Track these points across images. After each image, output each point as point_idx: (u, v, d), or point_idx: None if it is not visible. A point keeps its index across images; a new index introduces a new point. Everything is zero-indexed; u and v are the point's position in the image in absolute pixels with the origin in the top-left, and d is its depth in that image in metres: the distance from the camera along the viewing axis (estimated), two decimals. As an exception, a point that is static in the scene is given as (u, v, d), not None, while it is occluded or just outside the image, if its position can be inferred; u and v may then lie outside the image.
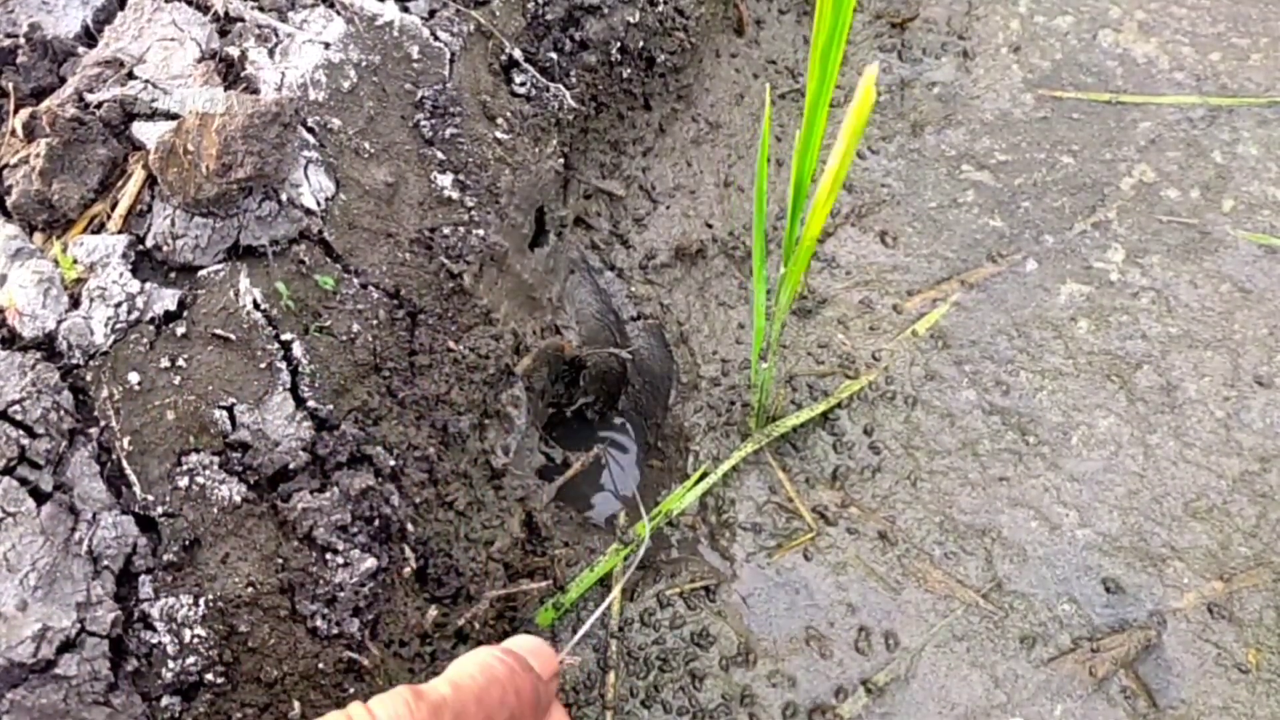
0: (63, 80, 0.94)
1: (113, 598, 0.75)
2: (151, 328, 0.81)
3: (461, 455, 1.02)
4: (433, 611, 0.95)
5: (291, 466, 0.85)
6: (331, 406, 0.88)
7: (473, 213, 1.02)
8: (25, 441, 0.74)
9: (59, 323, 0.79)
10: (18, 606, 0.71)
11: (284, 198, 0.88)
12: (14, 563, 0.71)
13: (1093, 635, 1.07)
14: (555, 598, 1.07)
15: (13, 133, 0.88)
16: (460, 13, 1.07)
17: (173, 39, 0.93)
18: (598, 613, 0.96)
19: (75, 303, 0.80)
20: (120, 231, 0.85)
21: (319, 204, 0.91)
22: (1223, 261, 1.29)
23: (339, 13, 0.99)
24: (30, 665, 0.70)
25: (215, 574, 0.79)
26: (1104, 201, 1.34)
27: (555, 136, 1.15)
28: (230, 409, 0.83)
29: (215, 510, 0.80)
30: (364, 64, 0.98)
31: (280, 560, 0.83)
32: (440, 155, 1.01)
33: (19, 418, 0.75)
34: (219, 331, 0.83)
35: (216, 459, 0.81)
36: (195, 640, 0.77)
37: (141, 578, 0.77)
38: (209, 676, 0.77)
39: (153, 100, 0.88)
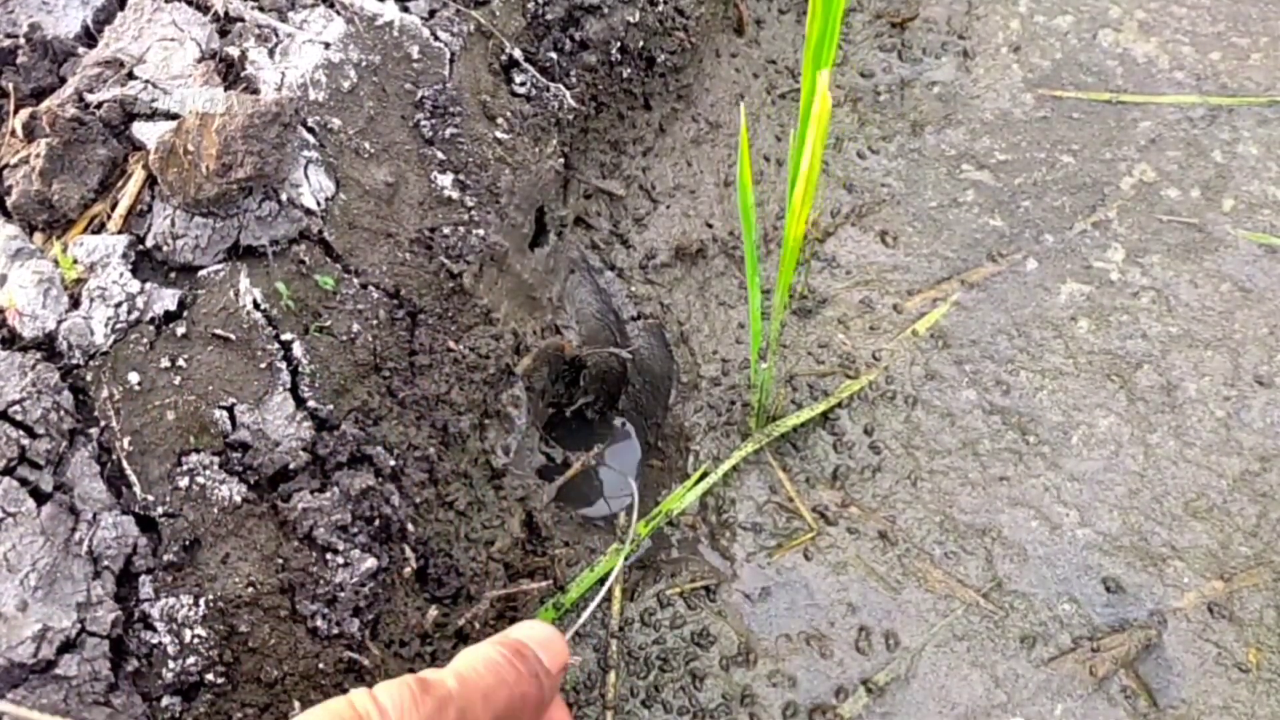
0: (63, 80, 0.94)
1: (113, 598, 0.75)
2: (151, 328, 0.81)
3: (462, 455, 1.02)
4: (433, 611, 0.95)
5: (291, 466, 0.85)
6: (331, 406, 0.88)
7: (473, 213, 1.02)
8: (25, 442, 0.74)
9: (59, 323, 0.79)
10: (18, 607, 0.71)
11: (284, 198, 0.88)
12: (14, 563, 0.71)
13: (1093, 635, 1.07)
14: (555, 598, 1.07)
15: (13, 133, 0.88)
16: (460, 13, 1.07)
17: (173, 39, 0.93)
18: (588, 611, 0.95)
19: (75, 303, 0.80)
20: (120, 231, 0.85)
21: (319, 204, 0.91)
22: (1223, 261, 1.29)
23: (339, 13, 0.99)
24: (30, 665, 0.70)
25: (215, 574, 0.79)
26: (1104, 201, 1.34)
27: (555, 136, 1.15)
28: (230, 409, 0.83)
29: (215, 510, 0.80)
30: (364, 64, 0.98)
31: (280, 560, 0.83)
32: (440, 155, 1.01)
33: (19, 418, 0.75)
34: (219, 331, 0.83)
35: (216, 459, 0.81)
36: (195, 640, 0.77)
37: (142, 578, 0.77)
38: (209, 677, 0.77)
39: (153, 100, 0.88)
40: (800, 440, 1.19)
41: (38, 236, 0.86)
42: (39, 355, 0.78)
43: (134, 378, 0.80)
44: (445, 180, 1.01)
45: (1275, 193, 1.34)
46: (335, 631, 0.84)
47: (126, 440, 0.78)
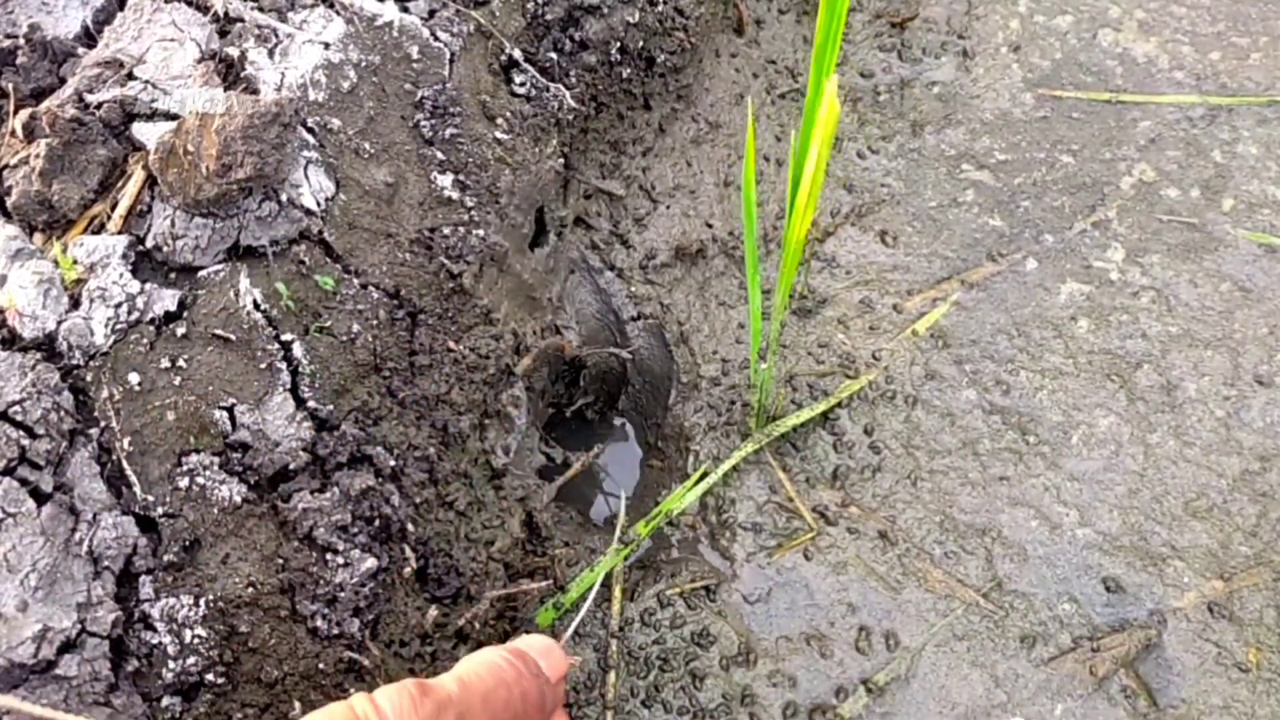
0: (63, 81, 0.94)
1: (113, 598, 0.75)
2: (151, 328, 0.81)
3: (462, 455, 1.02)
4: (433, 611, 0.95)
5: (292, 467, 0.85)
6: (331, 407, 0.88)
7: (473, 213, 1.02)
8: (25, 442, 0.74)
9: (59, 323, 0.79)
10: (18, 607, 0.71)
11: (284, 198, 0.88)
12: (14, 563, 0.71)
13: (1093, 635, 1.07)
14: (555, 598, 1.07)
15: (13, 133, 0.88)
16: (460, 13, 1.07)
17: (172, 39, 0.93)
18: (584, 609, 0.96)
19: (75, 303, 0.80)
20: (120, 232, 0.85)
21: (319, 204, 0.91)
22: (1223, 261, 1.29)
23: (339, 13, 0.99)
24: (31, 666, 0.70)
25: (215, 574, 0.79)
26: (1104, 201, 1.34)
27: (555, 136, 1.15)
28: (230, 409, 0.83)
29: (215, 510, 0.80)
30: (364, 64, 0.98)
31: (280, 560, 0.83)
32: (440, 155, 1.01)
33: (19, 418, 0.75)
34: (219, 332, 0.83)
35: (217, 459, 0.81)
36: (196, 640, 0.77)
37: (142, 578, 0.77)
38: (209, 677, 0.77)
39: (153, 101, 0.88)
40: (800, 440, 1.19)
41: (38, 237, 0.86)
42: (39, 355, 0.78)
43: (134, 378, 0.80)
44: (445, 180, 1.01)
45: (1275, 192, 1.34)
46: (335, 631, 0.84)
47: (126, 440, 0.78)
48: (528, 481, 1.12)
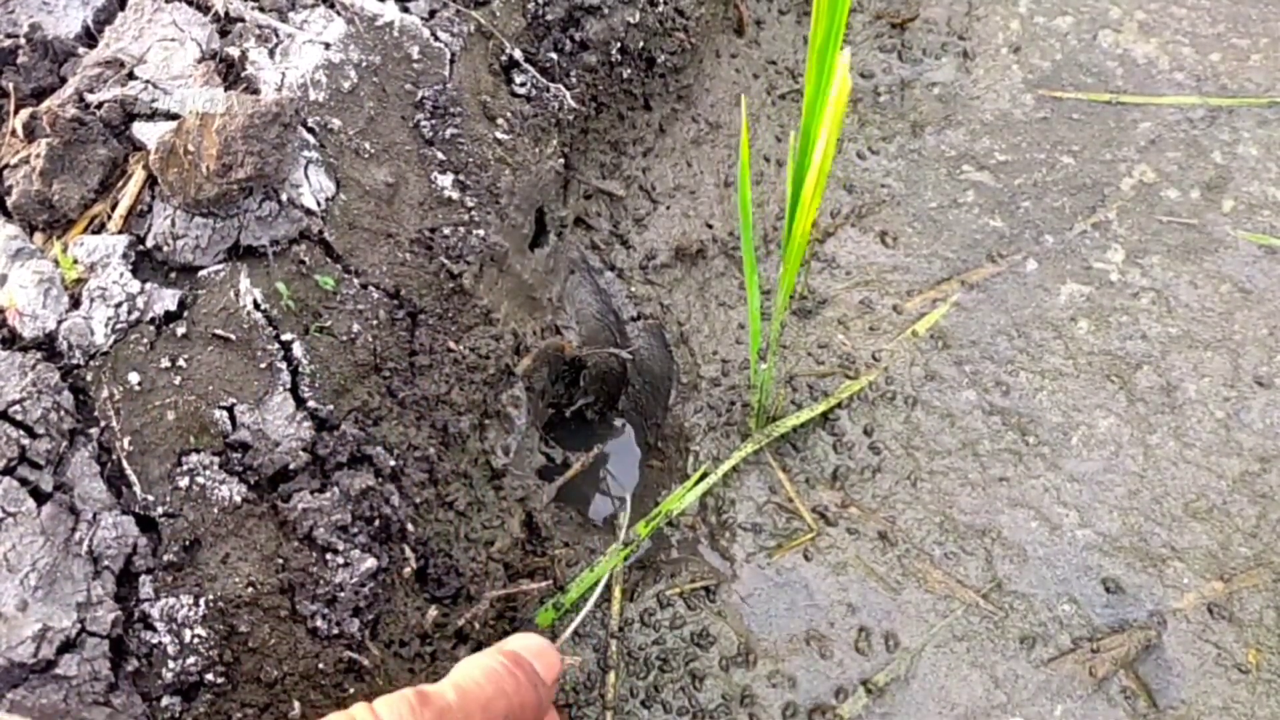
0: (63, 80, 0.94)
1: (113, 598, 0.75)
2: (152, 328, 0.82)
3: (461, 455, 1.02)
4: (433, 611, 0.95)
5: (291, 467, 0.85)
6: (331, 407, 0.88)
7: (473, 213, 1.02)
8: (25, 441, 0.74)
9: (59, 323, 0.79)
10: (18, 606, 0.71)
11: (284, 198, 0.88)
12: (14, 563, 0.71)
13: (1093, 635, 1.07)
14: (555, 598, 1.07)
15: (13, 133, 0.88)
16: (460, 13, 1.07)
17: (173, 39, 0.93)
18: (585, 610, 0.96)
19: (75, 303, 0.80)
20: (120, 232, 0.85)
21: (319, 204, 0.91)
22: (1223, 261, 1.29)
23: (339, 13, 0.99)
24: (30, 665, 0.70)
25: (215, 574, 0.79)
26: (1104, 201, 1.34)
27: (555, 137, 1.15)
28: (230, 409, 0.83)
29: (215, 510, 0.80)
30: (364, 64, 0.98)
31: (280, 560, 0.83)
32: (440, 155, 1.01)
33: (19, 418, 0.75)
34: (219, 332, 0.83)
35: (217, 459, 0.81)
36: (195, 640, 0.77)
37: (142, 578, 0.77)
38: (209, 676, 0.77)
39: (153, 100, 0.88)
40: (800, 441, 1.19)
41: (38, 236, 0.86)
42: (39, 355, 0.78)
43: (134, 378, 0.80)
44: (445, 180, 1.01)
45: (1275, 193, 1.34)
46: (335, 631, 0.84)
47: (126, 440, 0.78)
48: (528, 481, 1.12)
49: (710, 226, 1.32)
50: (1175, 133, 1.39)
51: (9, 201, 0.85)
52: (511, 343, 1.08)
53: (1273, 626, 1.06)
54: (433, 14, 1.06)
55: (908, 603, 1.09)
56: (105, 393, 0.79)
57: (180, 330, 0.82)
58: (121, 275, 0.82)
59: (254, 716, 0.81)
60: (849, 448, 1.18)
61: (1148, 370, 1.22)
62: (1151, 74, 1.44)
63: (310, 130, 0.92)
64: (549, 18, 1.14)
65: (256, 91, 0.90)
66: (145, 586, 0.76)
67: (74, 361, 0.79)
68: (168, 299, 0.82)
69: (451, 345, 1.00)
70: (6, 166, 0.87)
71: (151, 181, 0.86)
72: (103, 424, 0.78)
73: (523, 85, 1.12)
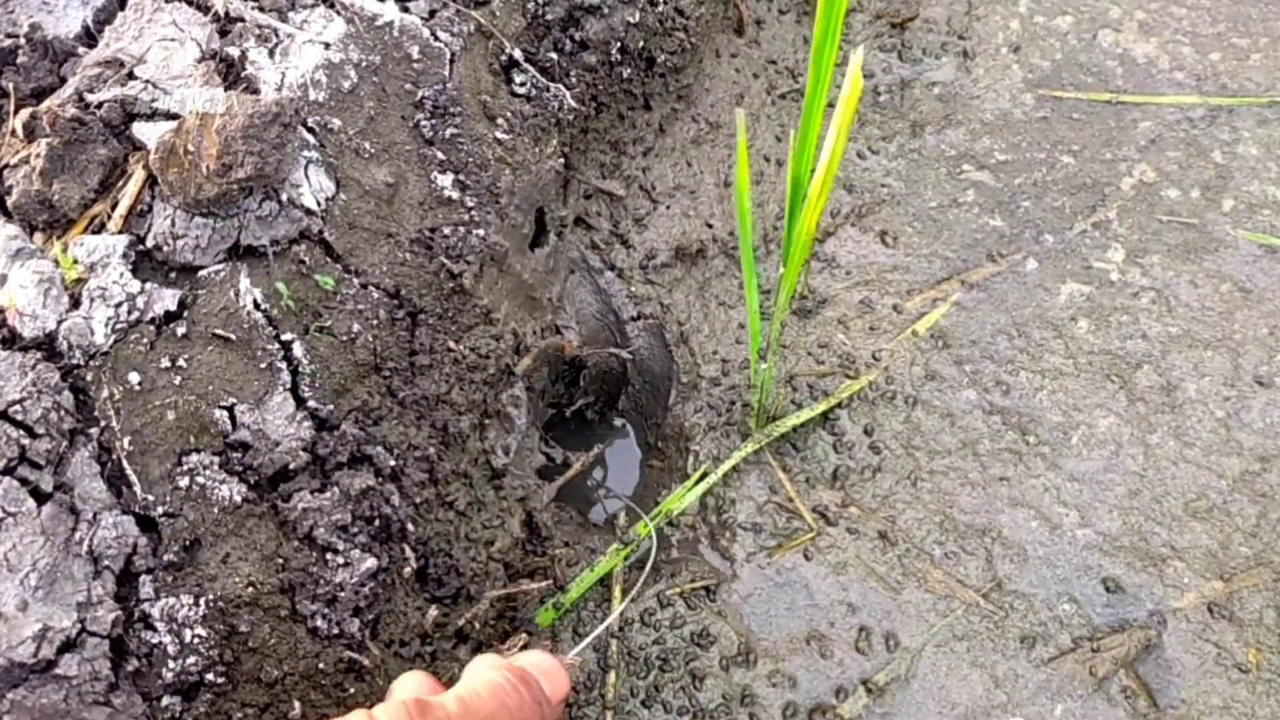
0: (63, 80, 0.94)
1: (113, 598, 0.75)
2: (152, 328, 0.82)
3: (462, 455, 1.02)
4: (433, 611, 0.95)
5: (292, 466, 0.85)
6: (332, 406, 0.88)
7: (473, 213, 1.02)
8: (25, 441, 0.74)
9: (59, 323, 0.79)
10: (18, 606, 0.71)
11: (284, 198, 0.88)
12: (14, 563, 0.71)
13: (1093, 635, 1.07)
14: (555, 598, 1.07)
15: (13, 133, 0.88)
16: (460, 13, 1.07)
17: (173, 39, 0.93)
18: (605, 624, 0.96)
19: (75, 303, 0.80)
20: (120, 231, 0.85)
21: (319, 204, 0.91)
22: (1223, 261, 1.29)
23: (339, 13, 0.99)
24: (31, 665, 0.70)
25: (215, 574, 0.79)
26: (1104, 201, 1.34)
27: (555, 136, 1.15)
28: (230, 409, 0.83)
29: (215, 510, 0.80)
30: (364, 64, 0.98)
31: (280, 560, 0.83)
32: (440, 155, 1.01)
33: (19, 418, 0.75)
34: (219, 331, 0.83)
35: (217, 459, 0.81)
36: (196, 640, 0.77)
37: (142, 578, 0.77)
38: (209, 676, 0.77)
39: (153, 100, 0.88)
40: (800, 440, 1.19)
41: (38, 236, 0.86)
42: (39, 355, 0.78)
43: (134, 378, 0.80)
44: (445, 180, 1.01)
45: (1275, 193, 1.34)
46: (335, 631, 0.84)
47: (127, 440, 0.78)
48: (528, 481, 1.12)
49: (710, 226, 1.32)
50: (1175, 132, 1.39)
51: (9, 201, 0.85)
52: (511, 343, 1.08)
53: (1273, 626, 1.06)
54: (433, 14, 1.06)
55: (908, 602, 1.09)
56: (105, 393, 0.79)
57: (180, 330, 0.82)
58: (121, 275, 0.82)
59: (254, 716, 0.81)
60: (849, 447, 1.18)
61: (1148, 370, 1.22)
62: (1151, 73, 1.44)
63: (310, 130, 0.92)
64: (549, 17, 1.14)
65: (256, 91, 0.90)
66: (145, 586, 0.76)
67: (74, 361, 0.79)
68: (168, 299, 0.82)
69: (451, 345, 1.00)
70: (6, 166, 0.87)
71: (151, 181, 0.86)
72: (103, 424, 0.78)
73: (523, 85, 1.12)
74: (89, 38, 0.99)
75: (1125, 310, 1.26)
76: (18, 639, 0.70)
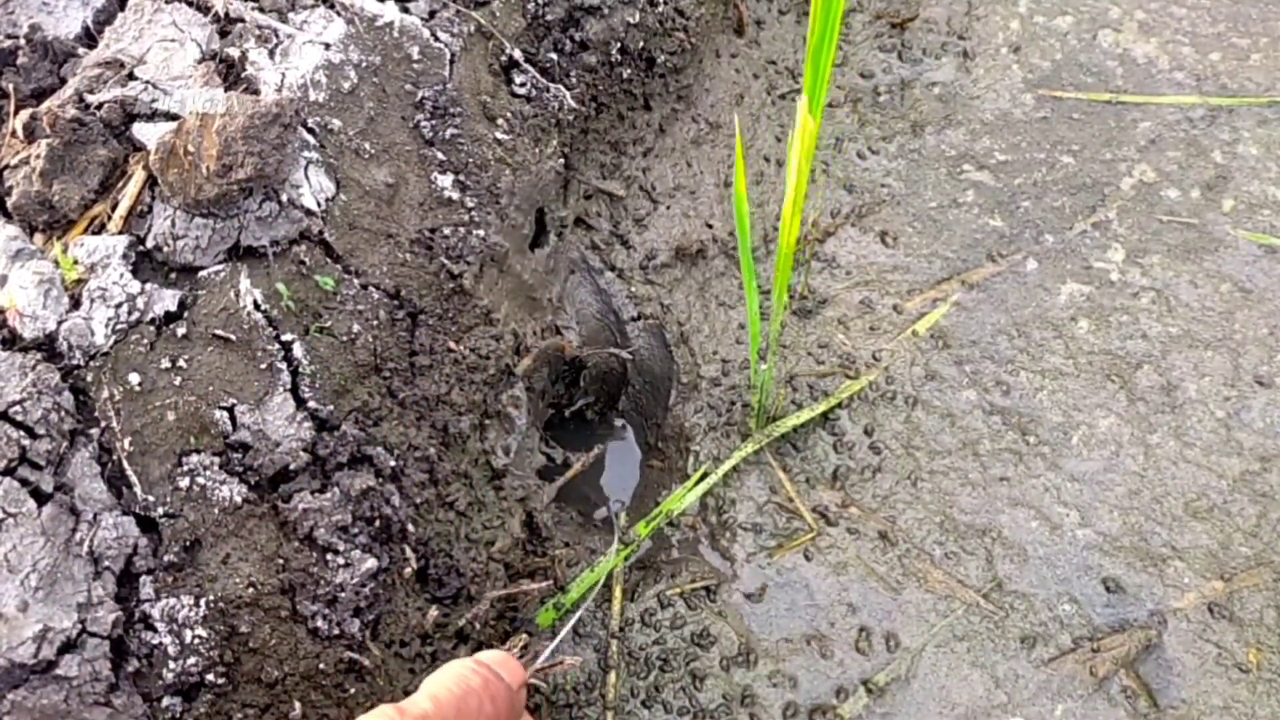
0: (63, 81, 0.94)
1: (113, 598, 0.75)
2: (152, 328, 0.82)
3: (462, 455, 1.02)
4: (433, 612, 0.95)
5: (292, 467, 0.85)
6: (332, 407, 0.88)
7: (473, 213, 1.02)
8: (26, 442, 0.74)
9: (59, 323, 0.79)
10: (18, 607, 0.71)
11: (284, 198, 0.88)
12: (15, 563, 0.72)
13: (1093, 635, 1.07)
14: (555, 598, 1.07)
15: (13, 133, 0.88)
16: (460, 13, 1.07)
17: (173, 40, 0.93)
18: (580, 611, 0.96)
19: (76, 303, 0.80)
20: (121, 232, 0.85)
21: (319, 204, 0.91)
22: (1223, 261, 1.29)
23: (339, 13, 0.99)
24: (31, 666, 0.70)
25: (216, 574, 0.79)
26: (1104, 201, 1.34)
27: (555, 137, 1.15)
28: (231, 409, 0.83)
29: (216, 511, 0.80)
30: (364, 65, 0.98)
31: (281, 561, 0.83)
32: (440, 156, 1.01)
33: (20, 418, 0.75)
34: (219, 332, 0.83)
35: (217, 459, 0.81)
36: (196, 641, 0.77)
37: (142, 578, 0.77)
38: (210, 677, 0.77)
39: (153, 101, 0.88)
40: (800, 440, 1.19)
41: (38, 237, 0.86)
42: (39, 356, 0.78)
43: (134, 378, 0.80)
44: (445, 181, 1.01)
45: (1275, 193, 1.34)
46: (335, 632, 0.84)
47: (127, 440, 0.78)
48: (528, 482, 1.12)
49: (710, 226, 1.32)
50: (1175, 132, 1.39)
51: (9, 202, 0.85)
52: (511, 343, 1.09)
53: (1273, 626, 1.06)
54: (433, 14, 1.06)
55: (908, 602, 1.09)
56: (105, 393, 0.79)
57: (180, 331, 0.82)
58: (121, 276, 0.82)
59: (254, 717, 0.81)
60: (849, 448, 1.18)
61: (1148, 370, 1.22)
62: (1151, 74, 1.44)
63: (310, 130, 0.92)
64: (549, 18, 1.14)
65: (256, 92, 0.90)
66: (146, 587, 0.76)
67: (74, 362, 0.79)
68: (168, 299, 0.82)
69: (452, 345, 1.00)
70: (6, 167, 0.87)
71: (151, 182, 0.86)
72: (103, 424, 0.78)
73: (523, 85, 1.12)
74: (89, 38, 0.99)
75: (1125, 310, 1.26)
76: (18, 639, 0.70)
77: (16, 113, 0.90)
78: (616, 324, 1.25)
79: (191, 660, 0.76)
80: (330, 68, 0.95)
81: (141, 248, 0.84)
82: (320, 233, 0.91)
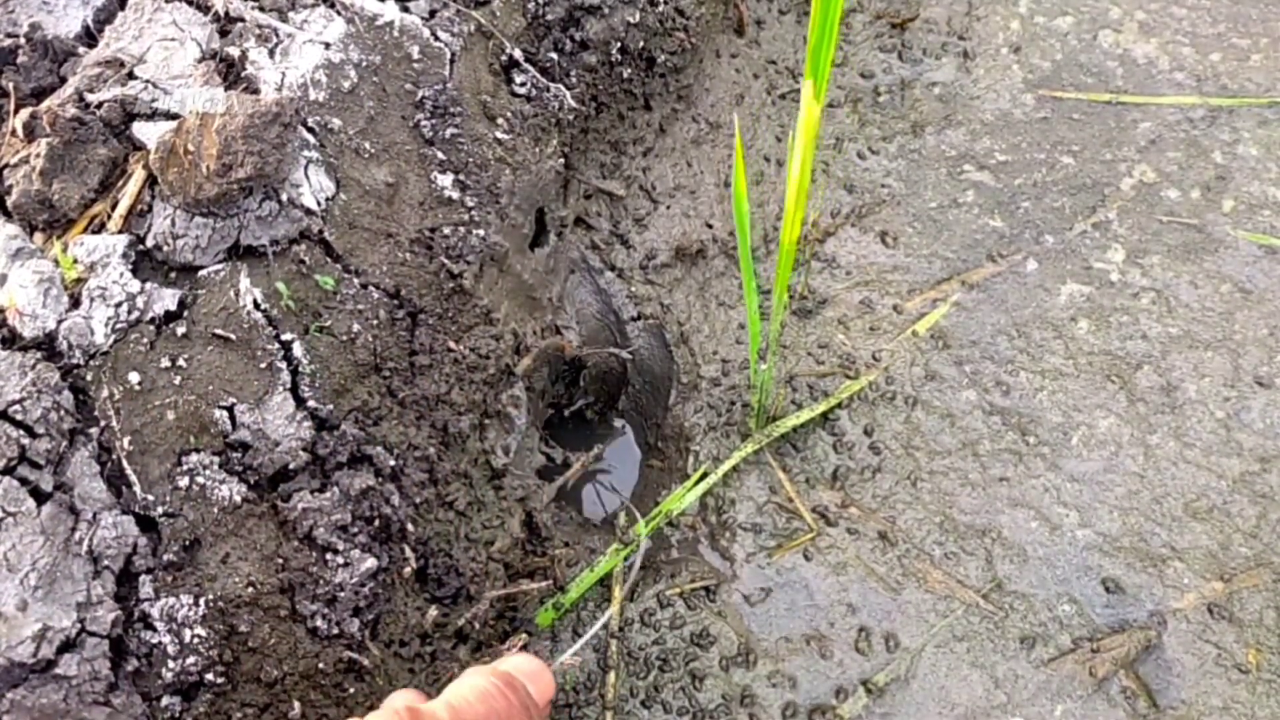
0: (63, 80, 0.94)
1: (113, 598, 0.75)
2: (152, 328, 0.81)
3: (461, 455, 1.02)
4: (433, 611, 0.95)
5: (291, 466, 0.85)
6: (332, 406, 0.88)
7: (473, 213, 1.02)
8: (25, 441, 0.74)
9: (59, 323, 0.79)
10: (18, 606, 0.71)
11: (284, 198, 0.88)
12: (14, 563, 0.71)
13: (1093, 635, 1.07)
14: (555, 598, 1.07)
15: (13, 133, 0.88)
16: (461, 13, 1.07)
17: (173, 39, 0.93)
18: (600, 622, 0.96)
19: (75, 303, 0.80)
20: (120, 231, 0.85)
21: (319, 204, 0.91)
22: (1223, 261, 1.29)
23: (339, 13, 0.99)
24: (30, 665, 0.70)
25: (215, 574, 0.79)
26: (1104, 201, 1.34)
27: (555, 136, 1.15)
28: (230, 409, 0.83)
29: (215, 510, 0.80)
30: (364, 64, 0.98)
31: (280, 560, 0.83)
32: (440, 155, 1.01)
33: (19, 418, 0.75)
34: (219, 331, 0.83)
35: (217, 459, 0.81)
36: (195, 640, 0.77)
37: (142, 578, 0.77)
38: (209, 676, 0.77)
39: (153, 100, 0.88)
40: (800, 441, 1.19)
41: (38, 236, 0.86)
42: (39, 355, 0.78)
43: (134, 377, 0.80)
44: (445, 180, 1.01)
45: (1275, 193, 1.34)
46: (335, 631, 0.84)
47: (126, 440, 0.78)
48: (528, 481, 1.12)
49: (710, 226, 1.32)
50: (1175, 133, 1.39)
51: (9, 201, 0.85)
52: (511, 343, 1.08)
53: (1273, 626, 1.06)
54: (433, 14, 1.06)
55: (908, 603, 1.09)
56: (105, 392, 0.79)
57: (180, 330, 0.82)
58: (121, 275, 0.82)
59: (254, 716, 0.81)
60: (849, 448, 1.18)
61: (1148, 370, 1.22)
62: (1151, 74, 1.44)
63: (310, 130, 0.92)
64: (549, 18, 1.14)
65: (256, 91, 0.90)
66: (145, 586, 0.76)
67: (74, 361, 0.79)
68: (168, 299, 0.82)
69: (451, 345, 1.00)
70: (6, 166, 0.87)
71: (151, 181, 0.86)
72: (103, 424, 0.78)
73: (523, 85, 1.12)
74: (89, 38, 0.99)
75: (1125, 311, 1.26)
76: (18, 639, 0.70)
77: (16, 112, 0.90)
78: (616, 324, 1.25)
79: (191, 659, 0.76)
80: (330, 67, 0.95)
81: (141, 247, 0.84)
82: (320, 232, 0.91)
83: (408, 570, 0.91)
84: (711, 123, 1.36)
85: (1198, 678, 1.04)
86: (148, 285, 0.82)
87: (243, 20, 0.96)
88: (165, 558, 0.77)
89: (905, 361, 1.23)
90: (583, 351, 1.21)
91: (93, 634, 0.73)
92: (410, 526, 0.93)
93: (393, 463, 0.91)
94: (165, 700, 0.76)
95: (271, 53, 0.94)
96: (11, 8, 1.00)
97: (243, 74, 0.92)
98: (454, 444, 1.01)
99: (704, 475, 1.15)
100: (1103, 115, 1.41)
